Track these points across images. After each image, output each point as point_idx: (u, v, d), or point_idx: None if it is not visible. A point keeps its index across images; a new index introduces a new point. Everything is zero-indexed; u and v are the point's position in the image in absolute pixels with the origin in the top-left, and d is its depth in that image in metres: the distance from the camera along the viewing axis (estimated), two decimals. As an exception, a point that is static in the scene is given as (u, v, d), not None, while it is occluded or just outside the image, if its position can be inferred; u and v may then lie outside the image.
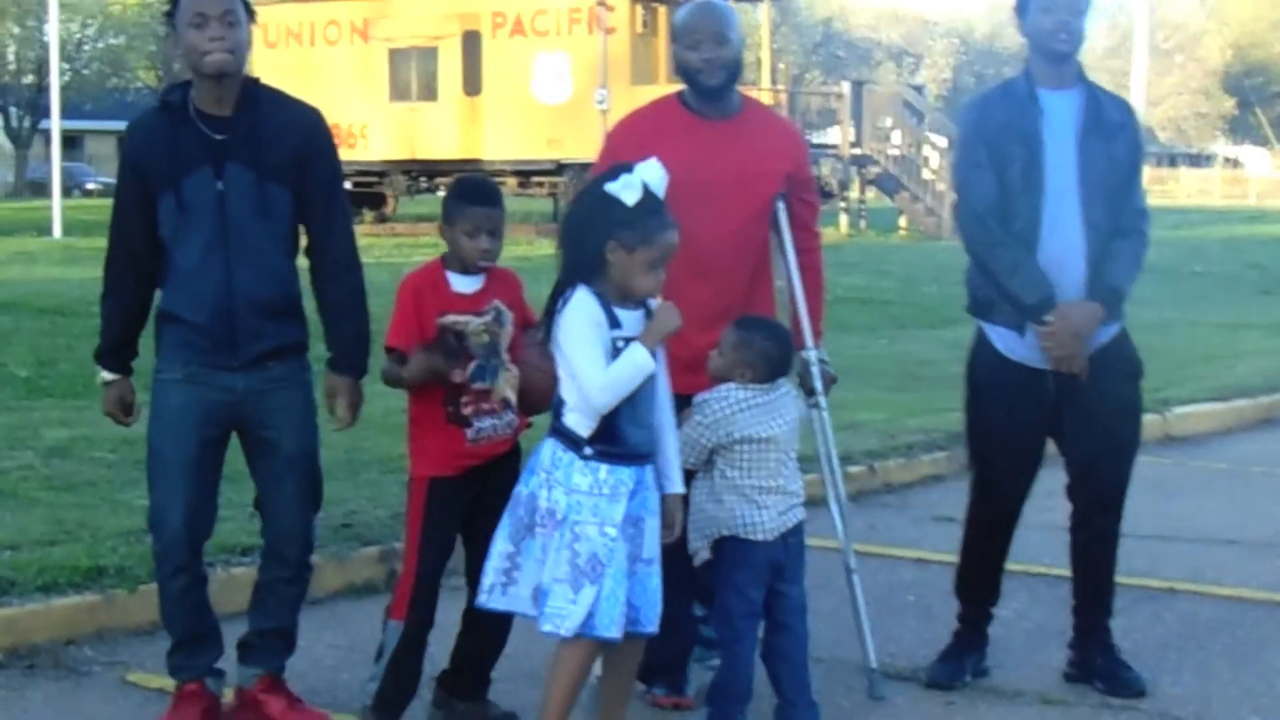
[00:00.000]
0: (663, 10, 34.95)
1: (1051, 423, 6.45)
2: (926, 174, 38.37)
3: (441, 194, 36.36)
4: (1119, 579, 6.68)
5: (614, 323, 5.21)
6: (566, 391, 5.28)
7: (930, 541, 8.78)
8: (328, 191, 5.85)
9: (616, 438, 5.24)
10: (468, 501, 5.76)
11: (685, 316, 5.34)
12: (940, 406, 11.83)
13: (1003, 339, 6.42)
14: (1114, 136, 6.39)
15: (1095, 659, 6.54)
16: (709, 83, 6.10)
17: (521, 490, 5.35)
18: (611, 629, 5.21)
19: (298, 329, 5.81)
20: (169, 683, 6.03)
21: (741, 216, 6.14)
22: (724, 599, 5.89)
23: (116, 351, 5.86)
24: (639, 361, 5.17)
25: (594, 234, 5.23)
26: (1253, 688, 6.57)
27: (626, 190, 5.17)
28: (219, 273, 5.61)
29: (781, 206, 6.25)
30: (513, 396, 5.73)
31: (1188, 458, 11.67)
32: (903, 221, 39.04)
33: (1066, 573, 6.72)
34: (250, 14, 5.66)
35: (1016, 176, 6.34)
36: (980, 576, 6.69)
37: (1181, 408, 12.69)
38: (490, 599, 5.40)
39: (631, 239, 5.18)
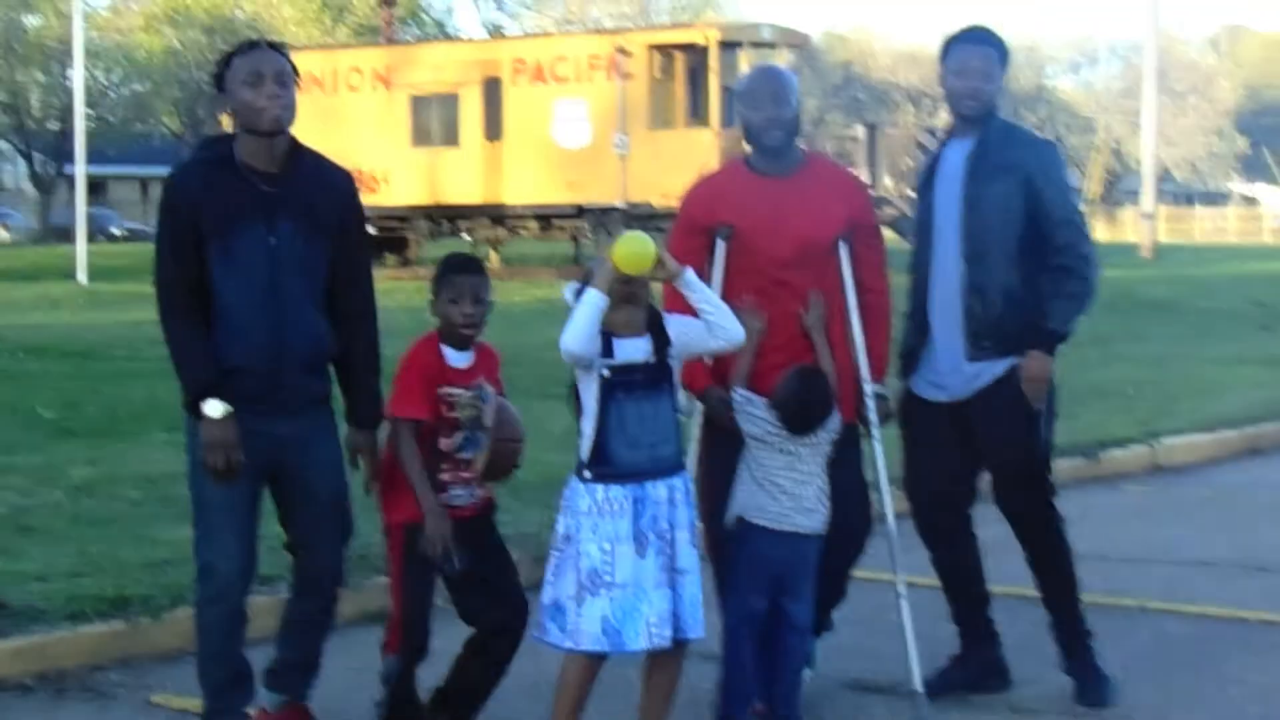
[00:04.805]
0: (680, 56, 35.19)
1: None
2: (941, 214, 38.39)
3: (465, 237, 36.58)
4: (1095, 598, 7.03)
5: (607, 352, 5.64)
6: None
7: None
8: (357, 251, 6.09)
9: (608, 459, 5.64)
10: None
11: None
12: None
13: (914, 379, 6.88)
14: (996, 179, 6.63)
15: (1072, 665, 6.80)
16: (770, 142, 6.51)
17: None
18: (637, 640, 5.58)
19: (327, 381, 6.03)
20: (193, 703, 6.25)
21: (805, 249, 6.47)
22: (726, 604, 6.28)
23: (219, 382, 5.72)
24: (587, 299, 5.57)
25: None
26: (1210, 695, 6.92)
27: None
28: (270, 326, 5.76)
29: (843, 247, 6.57)
30: (482, 468, 5.93)
31: (1172, 486, 11.98)
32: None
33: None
34: (297, 74, 5.86)
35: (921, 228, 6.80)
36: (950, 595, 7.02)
37: (1170, 439, 12.98)
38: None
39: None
